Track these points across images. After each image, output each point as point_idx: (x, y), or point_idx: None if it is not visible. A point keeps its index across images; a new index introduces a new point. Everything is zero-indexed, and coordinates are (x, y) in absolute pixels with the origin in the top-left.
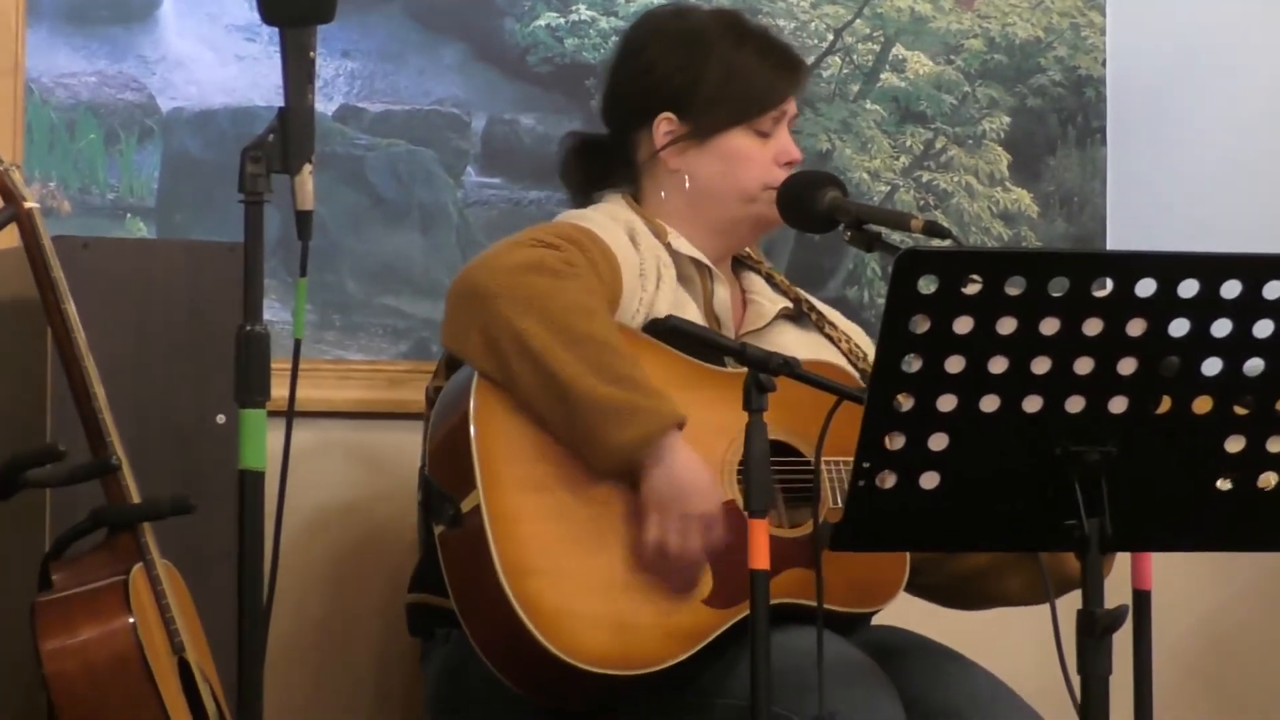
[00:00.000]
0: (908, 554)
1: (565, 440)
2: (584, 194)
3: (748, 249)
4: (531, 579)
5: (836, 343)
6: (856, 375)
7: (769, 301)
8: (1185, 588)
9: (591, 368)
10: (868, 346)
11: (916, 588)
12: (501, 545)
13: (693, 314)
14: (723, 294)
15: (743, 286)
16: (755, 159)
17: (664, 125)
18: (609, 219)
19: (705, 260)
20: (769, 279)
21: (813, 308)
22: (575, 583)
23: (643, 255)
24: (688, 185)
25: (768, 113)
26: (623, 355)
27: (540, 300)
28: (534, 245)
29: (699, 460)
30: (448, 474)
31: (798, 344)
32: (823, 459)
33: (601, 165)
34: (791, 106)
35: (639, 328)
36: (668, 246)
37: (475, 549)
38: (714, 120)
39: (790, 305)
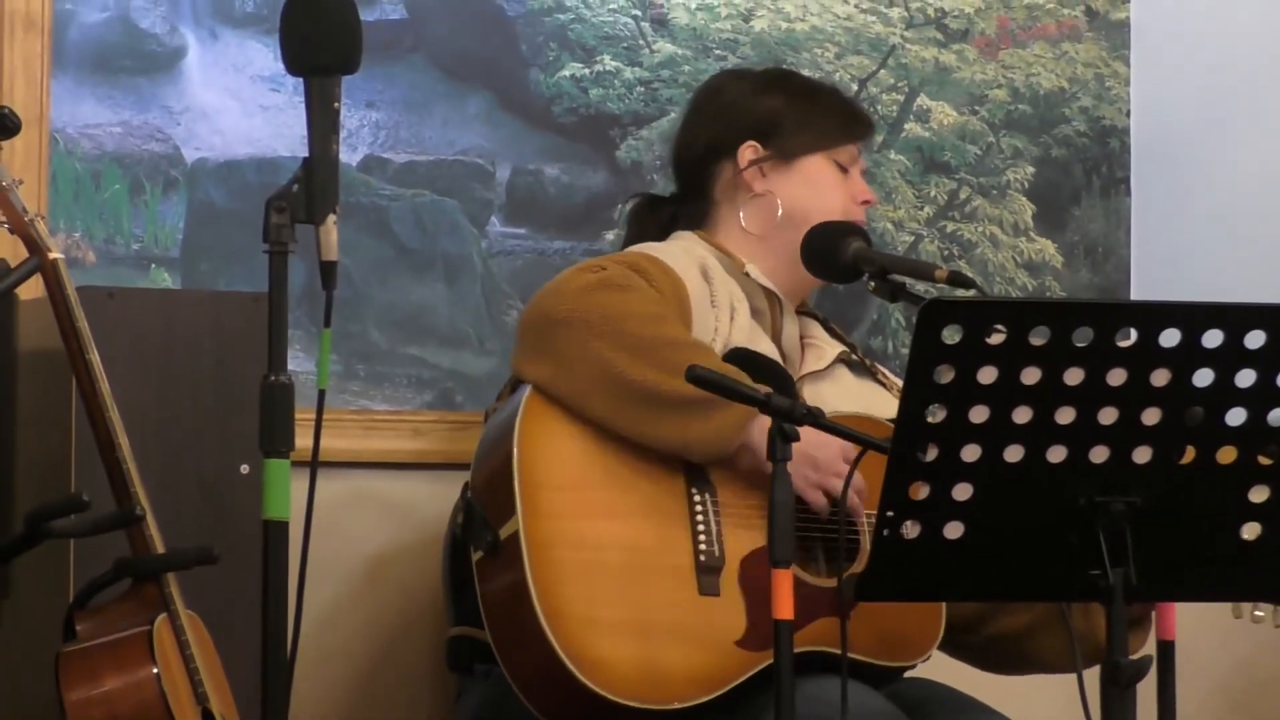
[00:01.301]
0: (943, 612)
1: (661, 447)
2: (654, 237)
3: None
4: (565, 607)
5: (888, 388)
6: None
7: (828, 346)
8: (1211, 639)
9: (669, 369)
10: None
11: (954, 647)
12: (537, 571)
13: (766, 347)
14: (791, 330)
15: (802, 331)
16: (838, 186)
17: (748, 151)
18: (680, 252)
19: (778, 292)
20: (825, 325)
21: (865, 356)
22: (612, 616)
23: (715, 288)
24: (776, 205)
25: (847, 145)
26: (699, 350)
27: (609, 317)
28: (595, 269)
29: None
30: (489, 499)
31: (856, 389)
32: (863, 512)
33: (671, 214)
34: (861, 157)
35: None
36: (744, 277)
37: (511, 574)
38: (798, 143)
39: (847, 350)
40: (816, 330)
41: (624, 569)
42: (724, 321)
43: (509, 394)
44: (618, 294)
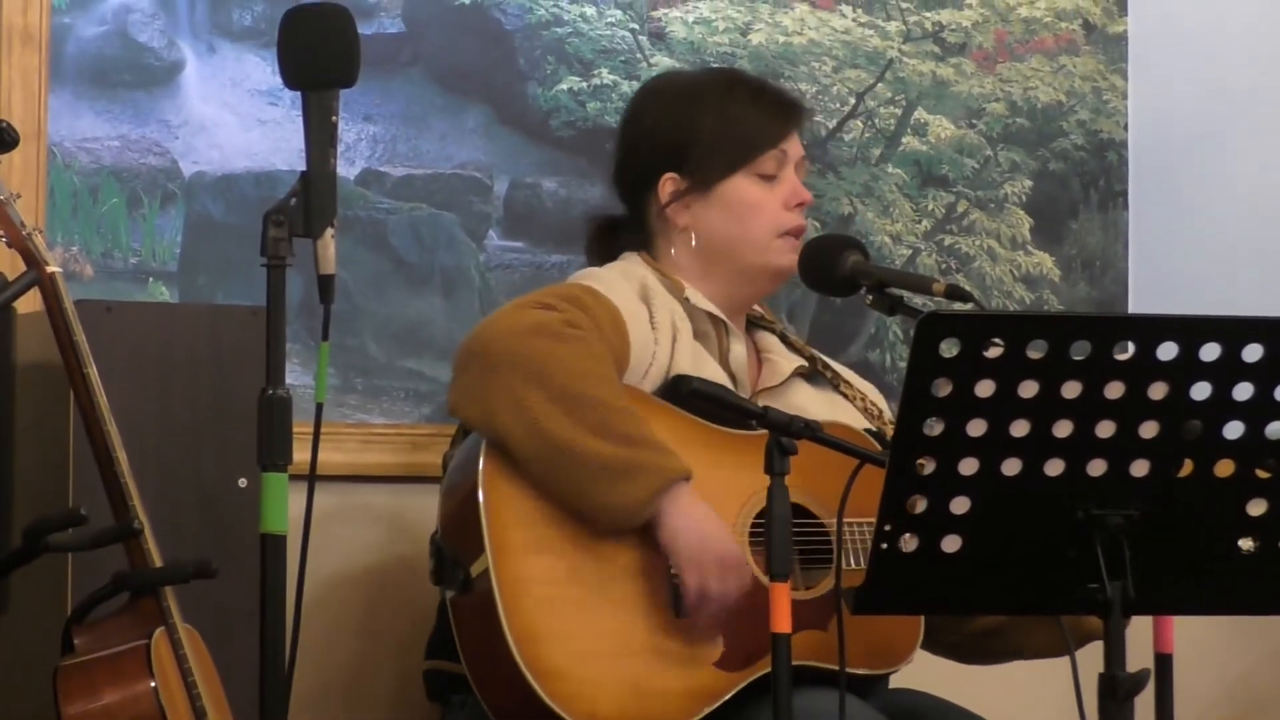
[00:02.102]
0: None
1: (570, 505)
2: (601, 259)
3: (759, 309)
4: (542, 643)
5: (851, 400)
6: (874, 432)
7: (784, 360)
8: (1209, 652)
9: (592, 429)
10: (883, 404)
11: (934, 645)
12: (510, 609)
13: (711, 370)
14: (739, 350)
15: (757, 345)
16: (762, 205)
17: (668, 185)
18: (620, 276)
19: (721, 315)
20: (783, 338)
21: (827, 366)
22: (586, 646)
23: (655, 309)
24: (694, 242)
25: (765, 153)
26: (624, 414)
27: (540, 366)
28: (535, 308)
29: (709, 508)
30: (458, 539)
31: (813, 402)
32: (849, 521)
33: (617, 233)
34: (793, 148)
35: (654, 383)
36: (684, 301)
37: (485, 614)
38: (712, 170)
39: (805, 364)
40: (773, 343)
41: (597, 599)
42: (664, 344)
43: (463, 437)
44: (555, 344)
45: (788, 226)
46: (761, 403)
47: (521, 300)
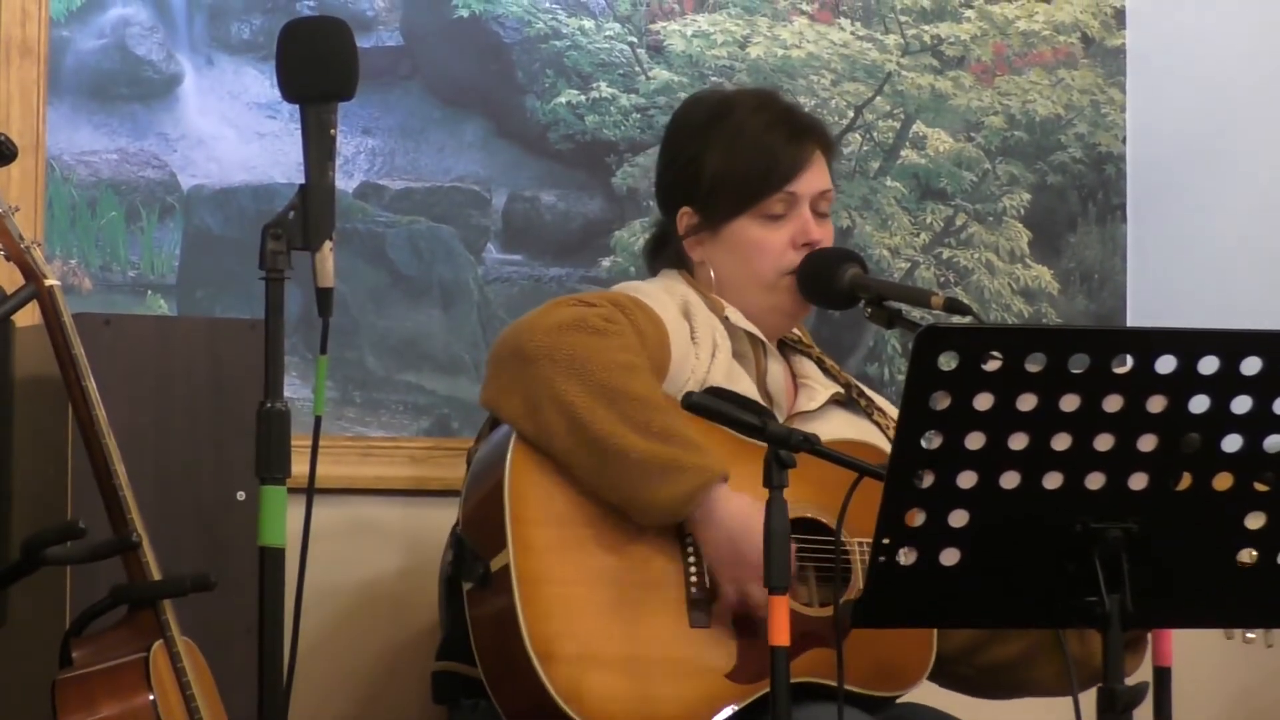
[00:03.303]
0: (933, 639)
1: (609, 500)
2: (651, 272)
3: (797, 333)
4: (556, 642)
5: (885, 430)
6: None
7: (821, 386)
8: (1208, 665)
9: (632, 425)
10: None
11: (946, 677)
12: (528, 606)
13: (746, 387)
14: (776, 371)
15: (794, 370)
16: (767, 247)
17: (684, 219)
18: (663, 291)
19: (760, 335)
20: (820, 363)
21: (862, 394)
22: (600, 649)
23: (696, 325)
24: (713, 275)
25: (769, 197)
26: (663, 410)
27: (580, 360)
28: (572, 305)
29: (749, 501)
30: (480, 533)
31: (848, 429)
32: (856, 539)
33: (660, 247)
34: (807, 185)
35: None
36: (724, 320)
37: (503, 609)
38: (718, 211)
39: (841, 391)
40: (811, 370)
41: (614, 603)
42: (704, 359)
43: (489, 431)
44: (592, 337)
45: (793, 267)
46: (796, 427)
47: (559, 299)
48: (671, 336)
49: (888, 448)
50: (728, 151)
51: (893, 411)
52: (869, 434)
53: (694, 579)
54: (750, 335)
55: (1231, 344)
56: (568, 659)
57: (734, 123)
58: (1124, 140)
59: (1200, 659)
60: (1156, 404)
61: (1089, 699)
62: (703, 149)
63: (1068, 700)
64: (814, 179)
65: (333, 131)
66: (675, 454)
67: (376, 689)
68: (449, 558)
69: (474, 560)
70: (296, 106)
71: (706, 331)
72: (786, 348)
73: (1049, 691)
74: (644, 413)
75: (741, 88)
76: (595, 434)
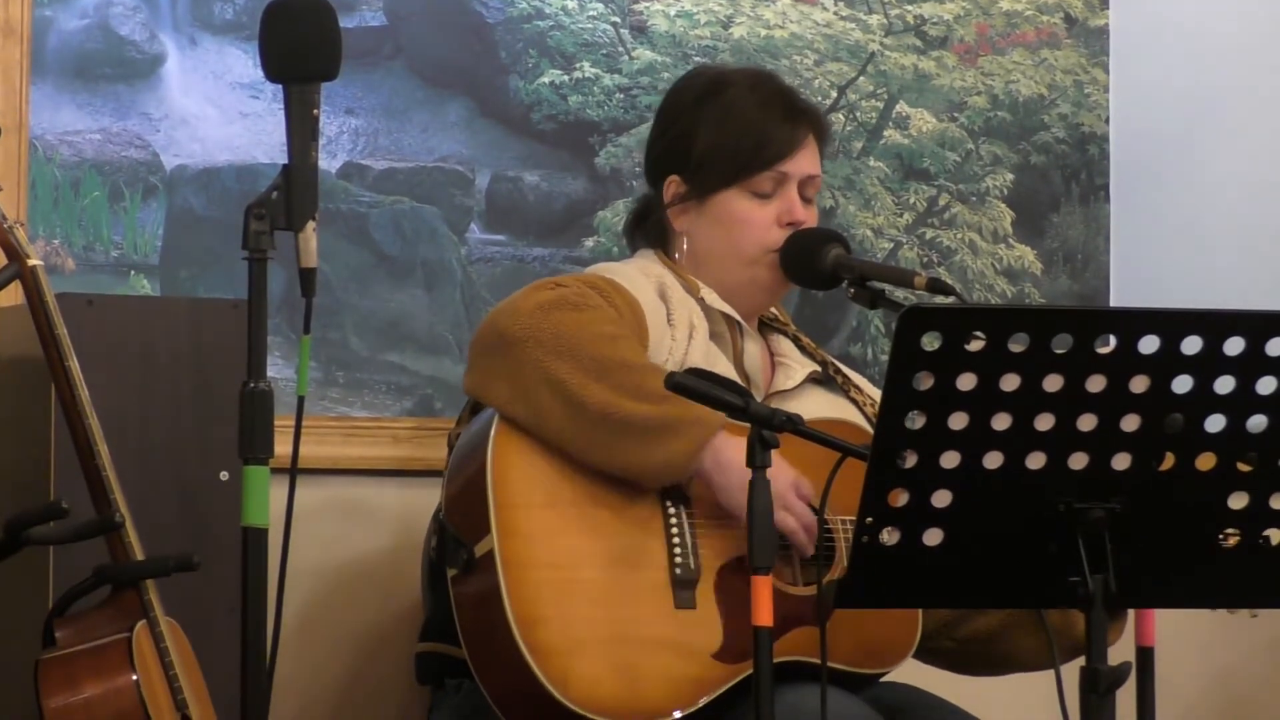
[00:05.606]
0: (919, 616)
1: (613, 470)
2: (630, 246)
3: (774, 311)
4: (542, 626)
5: (862, 407)
6: None
7: (798, 365)
8: (1191, 646)
9: (627, 392)
10: None
11: (927, 653)
12: (514, 591)
13: (724, 368)
14: (753, 350)
15: (771, 349)
16: (753, 221)
17: (671, 186)
18: (638, 273)
19: (736, 316)
20: (796, 341)
21: (839, 371)
22: (586, 631)
23: (672, 307)
24: (686, 246)
25: (760, 174)
26: (655, 373)
27: (565, 338)
28: (548, 288)
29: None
30: (463, 518)
31: (826, 408)
32: (840, 518)
33: (641, 221)
34: (798, 167)
35: None
36: (700, 301)
37: (487, 594)
38: (708, 180)
39: (818, 369)
40: (788, 348)
41: (599, 585)
42: (680, 340)
43: (469, 416)
44: (573, 313)
45: (778, 245)
46: (773, 406)
47: (534, 283)
48: (649, 319)
49: (866, 426)
50: (722, 125)
51: (870, 389)
52: (847, 412)
53: (678, 559)
54: (726, 316)
55: (1214, 324)
56: (554, 643)
57: (731, 97)
58: (1107, 120)
59: (1183, 638)
60: (1139, 384)
61: (1070, 671)
62: (697, 121)
63: (1049, 675)
64: (805, 161)
65: (316, 111)
66: (676, 411)
67: (360, 669)
68: (433, 543)
69: (457, 545)
70: (280, 87)
71: (683, 313)
72: (764, 326)
73: (1031, 665)
74: (635, 377)
75: (741, 66)
76: (593, 409)
